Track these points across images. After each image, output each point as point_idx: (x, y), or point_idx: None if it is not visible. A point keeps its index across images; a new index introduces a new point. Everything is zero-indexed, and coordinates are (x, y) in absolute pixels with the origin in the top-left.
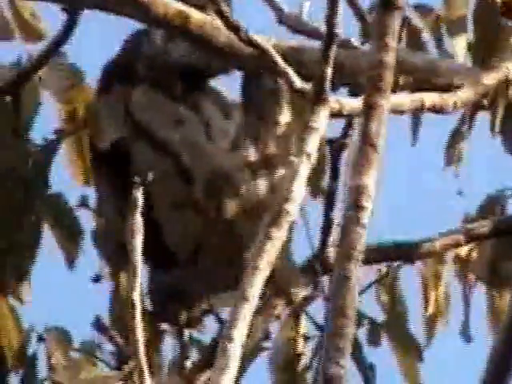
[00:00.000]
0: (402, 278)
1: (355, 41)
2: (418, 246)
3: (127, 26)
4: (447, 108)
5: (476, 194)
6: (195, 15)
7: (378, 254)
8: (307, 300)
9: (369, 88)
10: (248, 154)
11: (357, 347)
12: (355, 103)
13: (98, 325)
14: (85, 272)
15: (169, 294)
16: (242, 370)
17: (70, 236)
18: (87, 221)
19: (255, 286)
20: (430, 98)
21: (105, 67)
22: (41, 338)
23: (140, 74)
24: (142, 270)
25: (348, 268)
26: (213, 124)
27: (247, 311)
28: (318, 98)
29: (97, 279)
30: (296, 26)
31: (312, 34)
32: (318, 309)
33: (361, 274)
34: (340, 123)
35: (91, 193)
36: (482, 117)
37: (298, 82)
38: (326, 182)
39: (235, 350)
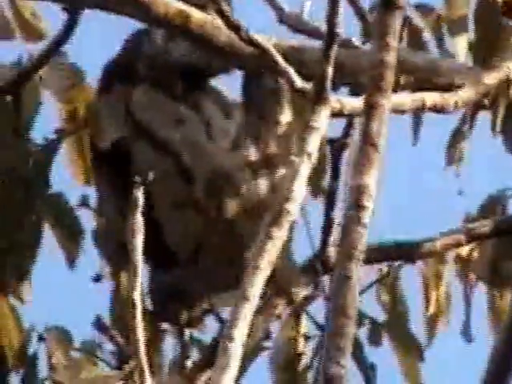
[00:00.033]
0: (403, 277)
1: (356, 40)
2: (419, 245)
3: (128, 26)
4: (448, 108)
5: (477, 194)
6: (196, 15)
7: (378, 253)
8: (308, 300)
9: (370, 87)
10: (248, 154)
11: (358, 347)
12: (356, 103)
13: (98, 324)
14: (85, 272)
15: (169, 294)
16: (243, 369)
17: (70, 236)
18: (88, 220)
19: (256, 286)
20: (430, 97)
21: (105, 67)
22: (41, 338)
23: (140, 74)
24: (142, 270)
25: (349, 267)
26: (213, 123)
27: (248, 311)
28: (319, 98)
29: (97, 279)
30: (297, 25)
31: (313, 33)
32: (318, 308)
33: (362, 274)
34: (341, 123)
35: (92, 192)
36: (484, 117)
37: (299, 82)
38: (326, 181)
39: (236, 349)
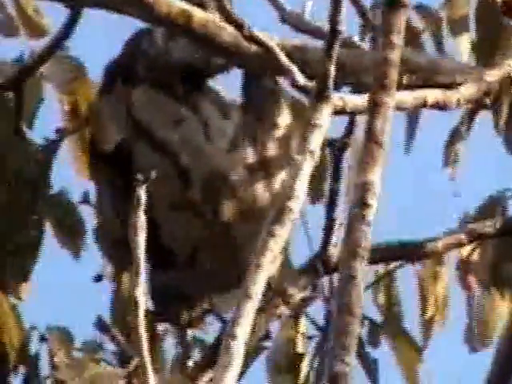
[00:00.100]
0: (400, 278)
1: (358, 39)
2: (420, 245)
3: (130, 22)
4: (450, 105)
5: (478, 194)
6: (198, 14)
7: (379, 253)
8: (307, 300)
9: (374, 85)
10: (246, 155)
11: (360, 343)
12: (358, 100)
13: (99, 324)
14: (86, 271)
15: (169, 294)
16: (244, 368)
17: (72, 234)
18: (90, 218)
19: (258, 284)
20: (432, 94)
21: (107, 67)
22: (43, 338)
23: (140, 74)
24: (144, 269)
25: (353, 266)
26: (211, 124)
27: (250, 309)
28: (321, 96)
29: (99, 279)
30: (298, 24)
31: (314, 32)
32: (318, 309)
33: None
34: (341, 123)
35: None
36: (485, 117)
37: (302, 80)
38: (327, 182)
39: (238, 347)
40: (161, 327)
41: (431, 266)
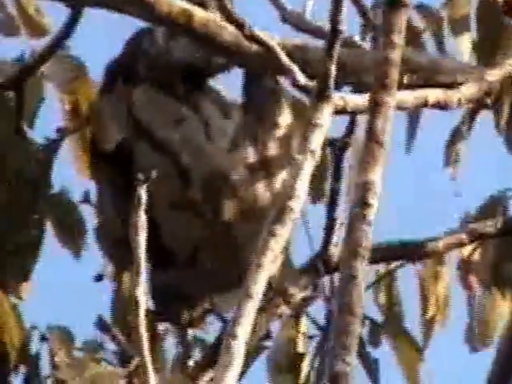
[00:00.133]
0: (401, 278)
1: (358, 39)
2: (421, 245)
3: (131, 21)
4: (451, 104)
5: (480, 194)
6: (199, 13)
7: (380, 253)
8: (308, 300)
9: (375, 85)
10: (247, 155)
11: (360, 342)
12: (359, 100)
13: (100, 324)
14: (86, 271)
15: (169, 294)
16: (245, 368)
17: (72, 234)
18: (91, 217)
19: (259, 284)
20: (433, 94)
21: (107, 66)
22: (43, 338)
23: (141, 74)
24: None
25: (354, 265)
26: (212, 123)
27: (251, 308)
28: (322, 95)
29: (99, 278)
30: (299, 24)
31: (315, 32)
32: (319, 309)
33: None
34: (342, 123)
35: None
36: (487, 116)
37: (302, 79)
38: (328, 181)
39: (239, 347)
40: (161, 327)
41: (432, 266)
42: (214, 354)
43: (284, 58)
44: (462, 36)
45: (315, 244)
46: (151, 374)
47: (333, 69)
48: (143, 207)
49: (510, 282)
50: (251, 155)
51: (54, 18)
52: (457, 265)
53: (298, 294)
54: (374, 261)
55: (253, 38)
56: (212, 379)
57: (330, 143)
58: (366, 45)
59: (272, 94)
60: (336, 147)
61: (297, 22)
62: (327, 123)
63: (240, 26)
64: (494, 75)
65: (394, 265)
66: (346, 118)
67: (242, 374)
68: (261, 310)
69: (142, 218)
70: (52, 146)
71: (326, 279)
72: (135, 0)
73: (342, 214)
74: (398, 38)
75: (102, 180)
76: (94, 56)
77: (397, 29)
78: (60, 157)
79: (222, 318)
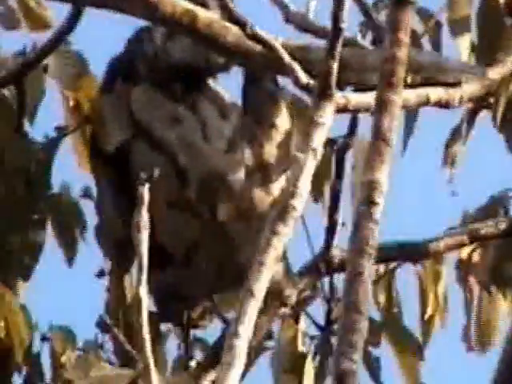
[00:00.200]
0: (400, 278)
1: (361, 39)
2: (422, 246)
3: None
4: (453, 103)
5: (481, 194)
6: (203, 14)
7: (380, 253)
8: (308, 300)
9: (381, 83)
10: (243, 156)
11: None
12: (361, 98)
13: (101, 324)
14: (86, 271)
15: (168, 294)
16: (247, 368)
17: (69, 234)
18: (91, 214)
19: (262, 282)
20: (435, 92)
21: (108, 65)
22: (44, 338)
23: (141, 73)
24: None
25: (361, 263)
26: (209, 124)
27: (253, 307)
28: (324, 94)
29: (101, 274)
30: (302, 24)
31: (318, 32)
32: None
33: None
34: (344, 122)
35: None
36: (488, 116)
37: (304, 78)
38: (330, 181)
39: (242, 346)
40: (163, 327)
41: (431, 266)
42: (216, 354)
43: (286, 58)
44: (463, 37)
45: (316, 244)
46: (154, 375)
47: (335, 67)
48: (145, 206)
49: (511, 283)
50: (248, 156)
51: (56, 10)
52: (455, 265)
53: (294, 296)
54: (374, 261)
55: (255, 38)
56: (214, 379)
57: (331, 142)
58: (367, 43)
59: (271, 97)
60: (338, 146)
61: (300, 23)
62: (329, 122)
63: (242, 25)
64: (495, 73)
65: (393, 265)
66: (347, 118)
67: (245, 373)
68: (262, 309)
69: (145, 217)
70: (52, 145)
71: (326, 280)
72: (138, 0)
73: (343, 213)
74: (405, 36)
75: (101, 180)
76: (96, 51)
77: (403, 26)
78: (60, 155)
79: (222, 317)
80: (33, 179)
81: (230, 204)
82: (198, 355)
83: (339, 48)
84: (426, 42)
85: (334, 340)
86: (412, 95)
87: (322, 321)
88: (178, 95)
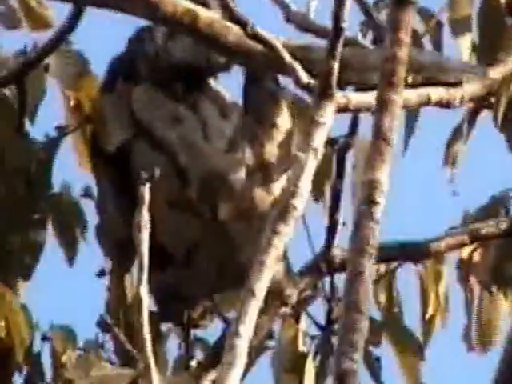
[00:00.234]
0: (401, 278)
1: (362, 39)
2: (422, 246)
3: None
4: (454, 103)
5: (482, 195)
6: (204, 13)
7: (381, 253)
8: (308, 300)
9: (382, 83)
10: (244, 156)
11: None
12: (362, 97)
13: (102, 324)
14: (86, 270)
15: (169, 294)
16: (248, 367)
17: (70, 239)
18: (92, 212)
19: (262, 281)
20: (436, 92)
21: (109, 65)
22: (45, 337)
23: (142, 73)
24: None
25: (361, 263)
26: (210, 124)
27: (254, 307)
28: (325, 93)
29: (102, 274)
30: (303, 24)
31: (319, 32)
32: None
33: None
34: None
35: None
36: (489, 116)
37: (305, 77)
38: (331, 180)
39: (242, 345)
40: (164, 327)
41: (432, 266)
42: (217, 354)
43: (287, 57)
44: (464, 36)
45: (316, 244)
46: (154, 375)
47: (335, 67)
48: (146, 205)
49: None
50: (249, 156)
51: (57, 10)
52: (456, 265)
53: (294, 296)
54: (375, 261)
55: (255, 37)
56: (215, 378)
57: (332, 142)
58: (367, 43)
59: (272, 96)
60: (339, 146)
61: (301, 23)
62: (330, 121)
63: (242, 24)
64: (496, 73)
65: (394, 264)
66: (348, 118)
67: (245, 373)
68: (263, 309)
69: (145, 217)
70: (52, 145)
71: (327, 279)
72: (140, 0)
73: (344, 213)
74: (406, 36)
75: (102, 180)
76: (98, 51)
77: (404, 26)
78: (60, 154)
79: (223, 317)
80: (33, 179)
81: (231, 204)
82: (199, 355)
83: (340, 48)
84: (426, 42)
85: (334, 340)
86: (413, 95)
87: (322, 320)
88: (179, 95)
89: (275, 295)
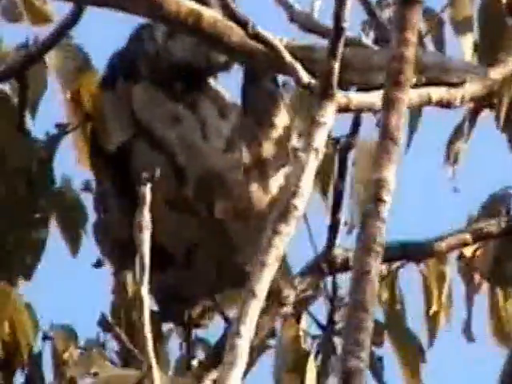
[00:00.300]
0: (404, 277)
1: (365, 39)
2: (425, 245)
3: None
4: (454, 102)
5: (482, 193)
6: (207, 13)
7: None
8: (310, 299)
9: (388, 82)
10: (242, 156)
11: None
12: (363, 98)
13: (103, 323)
14: (88, 269)
15: (169, 294)
16: (249, 367)
17: (73, 231)
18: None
19: (263, 282)
20: (437, 92)
21: (109, 62)
22: (46, 337)
23: (141, 72)
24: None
25: (368, 262)
26: (209, 123)
27: (255, 307)
28: (325, 93)
29: (98, 264)
30: (307, 24)
31: (323, 32)
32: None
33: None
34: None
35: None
36: (491, 115)
37: (306, 77)
38: (333, 180)
39: (244, 345)
40: (165, 327)
41: (435, 265)
42: (218, 354)
43: (287, 57)
44: (465, 36)
45: (318, 243)
46: (157, 374)
47: (336, 66)
48: (147, 205)
49: None
50: (246, 156)
51: (58, 4)
52: (458, 264)
53: (292, 296)
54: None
55: (256, 37)
56: (217, 378)
57: (334, 142)
58: (369, 41)
59: (270, 96)
60: (340, 146)
61: (305, 23)
62: (331, 121)
63: (243, 24)
64: (497, 73)
65: (396, 264)
66: (349, 118)
67: (247, 372)
68: (264, 309)
69: (146, 217)
70: (52, 142)
71: (328, 279)
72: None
73: (346, 213)
74: (412, 36)
75: (102, 179)
76: (99, 45)
77: (411, 26)
78: (60, 152)
79: (224, 315)
80: (34, 178)
81: (228, 202)
82: (200, 355)
83: (341, 47)
84: (428, 41)
85: (336, 339)
86: (414, 95)
87: (324, 320)
88: (178, 94)
89: (273, 295)
